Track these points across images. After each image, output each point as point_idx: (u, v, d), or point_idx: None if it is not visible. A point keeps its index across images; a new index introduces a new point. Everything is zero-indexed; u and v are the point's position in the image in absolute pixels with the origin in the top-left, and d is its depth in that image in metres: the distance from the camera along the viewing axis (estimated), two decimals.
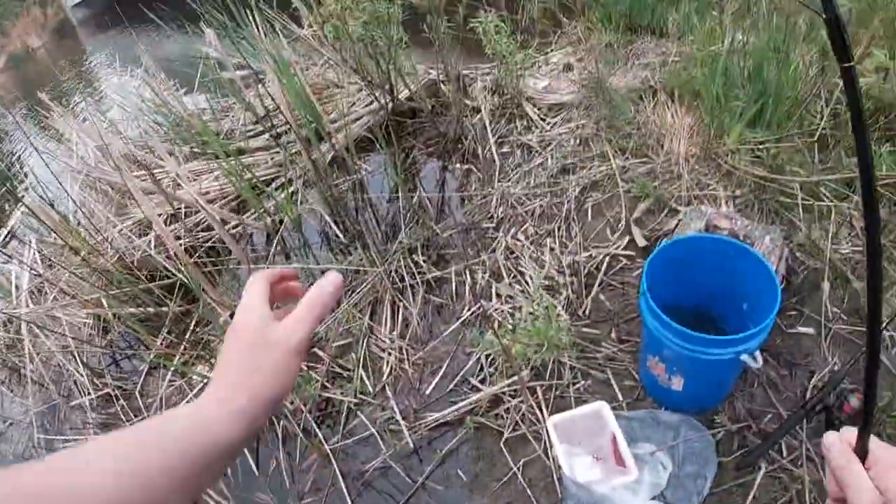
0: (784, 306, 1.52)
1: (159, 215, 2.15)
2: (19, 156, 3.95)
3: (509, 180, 2.22)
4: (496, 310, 1.74)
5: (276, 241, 2.29)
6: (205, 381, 1.78)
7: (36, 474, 0.31)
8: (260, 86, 2.64)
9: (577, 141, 2.23)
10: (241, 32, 2.51)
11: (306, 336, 0.44)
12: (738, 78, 2.07)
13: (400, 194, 2.27)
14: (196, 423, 0.38)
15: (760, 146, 1.86)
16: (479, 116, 2.56)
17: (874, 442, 0.43)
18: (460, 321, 1.77)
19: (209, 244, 2.34)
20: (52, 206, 2.27)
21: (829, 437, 0.45)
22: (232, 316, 1.77)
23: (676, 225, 1.77)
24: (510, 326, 1.62)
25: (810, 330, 1.49)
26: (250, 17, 2.46)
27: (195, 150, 2.72)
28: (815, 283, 1.57)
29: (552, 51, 3.05)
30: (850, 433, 0.45)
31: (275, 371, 0.42)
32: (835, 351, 1.45)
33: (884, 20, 1.94)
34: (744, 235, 1.61)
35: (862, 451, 0.43)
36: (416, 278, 1.91)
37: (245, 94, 2.72)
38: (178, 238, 2.22)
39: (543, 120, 2.48)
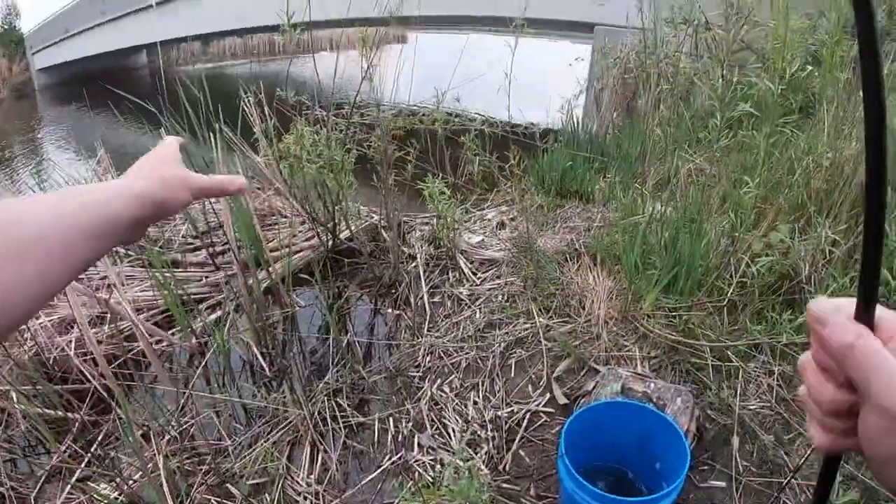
0: (696, 462, 1.79)
1: (85, 316, 2.29)
2: None
3: (438, 330, 2.51)
4: (417, 461, 1.93)
5: (199, 365, 2.42)
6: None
7: None
8: (207, 201, 2.98)
9: (505, 297, 2.60)
10: (199, 147, 2.89)
11: (201, 184, 0.62)
12: (655, 246, 2.55)
13: (331, 334, 2.51)
14: (98, 196, 0.52)
15: (674, 311, 2.27)
16: (414, 264, 2.92)
17: (880, 310, 0.37)
18: (380, 470, 1.92)
19: (130, 355, 2.44)
20: None
21: (822, 305, 0.38)
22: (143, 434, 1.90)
23: (595, 385, 2.07)
24: (430, 480, 1.81)
25: (722, 483, 1.76)
26: (210, 137, 2.85)
27: (129, 251, 2.96)
28: (725, 439, 1.86)
29: (488, 208, 3.57)
30: (847, 302, 0.38)
31: (168, 186, 0.59)
32: (746, 502, 1.72)
33: (788, 198, 2.51)
34: (657, 397, 1.93)
35: (868, 323, 0.36)
36: (338, 422, 2.07)
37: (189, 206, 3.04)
38: (100, 342, 2.33)
39: (475, 274, 2.86)
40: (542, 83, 4.26)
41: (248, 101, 3.13)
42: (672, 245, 2.41)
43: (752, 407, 1.95)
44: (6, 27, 30.79)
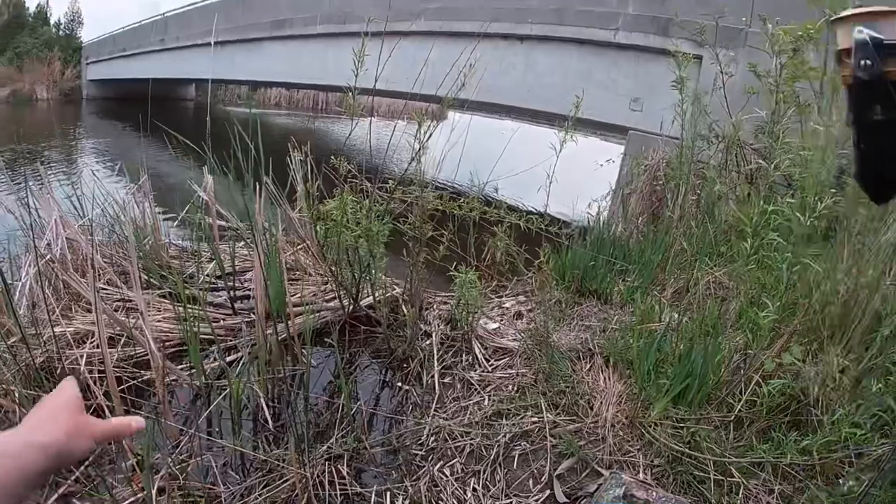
0: None
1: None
2: None
3: (446, 412, 2.57)
4: None
5: (203, 405, 2.50)
6: None
7: None
8: (238, 244, 3.12)
9: (515, 388, 2.67)
10: (239, 192, 3.07)
11: (103, 430, 0.67)
12: (668, 355, 2.64)
13: (341, 399, 2.58)
14: (9, 449, 0.56)
15: (681, 422, 2.32)
16: (428, 342, 3.02)
17: None
18: None
19: (136, 381, 2.54)
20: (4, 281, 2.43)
21: None
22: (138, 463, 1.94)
23: (597, 488, 2.12)
24: None
25: None
26: (255, 186, 3.04)
27: (152, 280, 3.10)
28: None
29: (507, 296, 3.69)
30: None
31: (71, 435, 0.62)
32: None
33: (803, 322, 2.60)
34: None
35: None
36: (335, 488, 2.12)
37: (218, 246, 3.20)
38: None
39: (488, 361, 2.94)
40: (570, 177, 4.46)
41: (295, 158, 3.35)
42: (686, 356, 2.49)
43: None
44: (67, 33, 32.90)
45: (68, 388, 0.70)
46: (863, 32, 0.84)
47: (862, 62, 0.84)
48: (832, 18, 0.92)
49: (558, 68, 9.18)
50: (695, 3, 7.00)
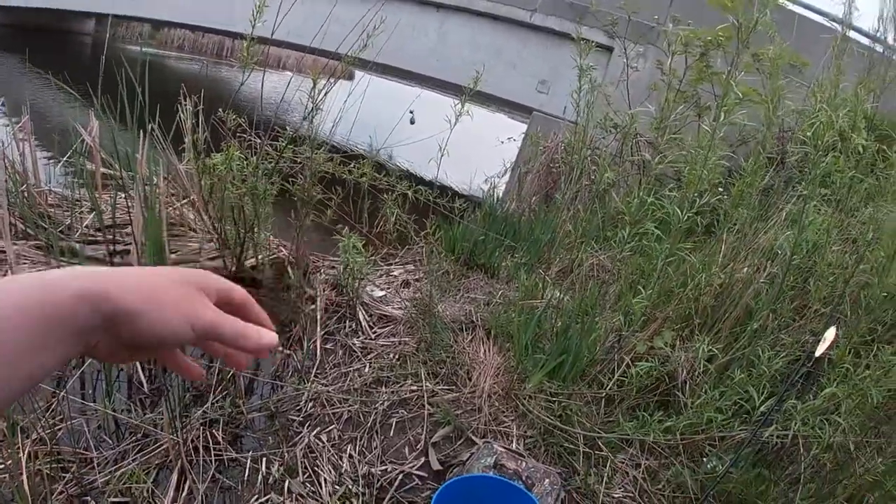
0: None
1: None
2: None
3: (326, 378, 2.54)
4: None
5: (76, 366, 2.33)
6: None
7: None
8: (120, 194, 2.89)
9: (397, 356, 2.67)
10: (124, 137, 2.83)
11: (213, 326, 0.52)
12: (548, 331, 2.72)
13: (216, 362, 2.48)
14: (48, 286, 0.43)
15: (554, 396, 2.41)
16: (312, 307, 2.95)
17: None
18: None
19: None
20: None
21: None
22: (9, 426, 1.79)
23: (469, 457, 2.16)
24: None
25: None
26: (140, 135, 2.81)
27: (28, 229, 2.82)
28: None
29: (396, 264, 3.67)
30: None
31: (154, 300, 0.47)
32: None
33: (676, 309, 2.76)
34: (526, 476, 2.05)
35: None
36: (210, 454, 2.05)
37: (100, 196, 2.95)
38: None
39: (371, 328, 2.92)
40: (471, 151, 4.49)
41: (187, 108, 3.13)
42: (563, 333, 2.59)
43: (616, 495, 2.11)
44: None
45: (210, 275, 0.56)
46: None
47: None
48: None
49: (470, 41, 9.18)
50: None
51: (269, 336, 0.57)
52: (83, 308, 0.43)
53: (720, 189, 3.45)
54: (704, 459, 2.20)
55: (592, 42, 4.61)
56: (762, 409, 2.05)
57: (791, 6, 6.55)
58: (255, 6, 2.51)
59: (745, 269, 2.78)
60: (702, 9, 4.46)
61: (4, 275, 2.25)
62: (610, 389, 2.46)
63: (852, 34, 3.51)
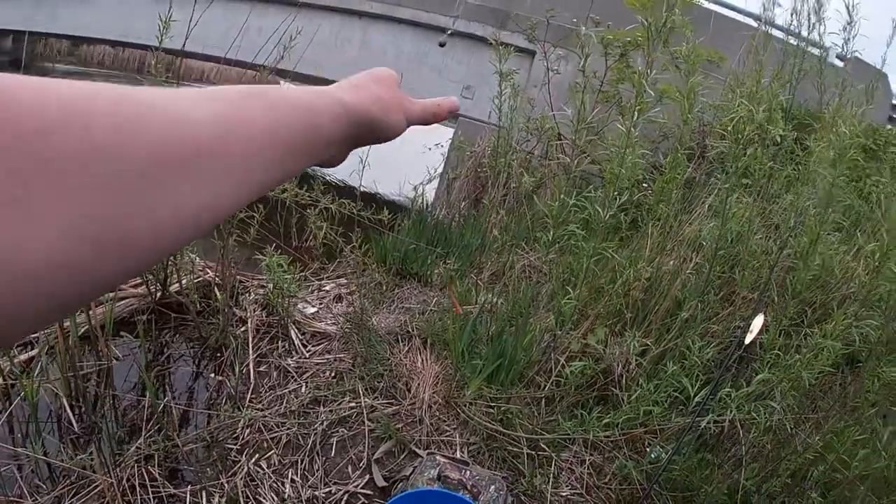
0: None
1: None
2: None
3: (261, 402, 2.46)
4: None
5: (2, 410, 2.20)
6: None
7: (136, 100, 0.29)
8: None
9: (333, 373, 2.63)
10: None
11: (417, 109, 0.60)
12: (483, 336, 2.74)
13: (147, 395, 2.37)
14: (307, 102, 0.43)
15: (494, 401, 2.42)
16: (243, 329, 2.86)
17: None
18: None
19: None
20: None
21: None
22: None
23: (413, 471, 2.14)
24: None
25: None
26: None
27: None
28: None
29: (327, 278, 3.62)
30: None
31: (385, 106, 0.53)
32: None
33: (607, 306, 2.82)
34: (472, 485, 2.05)
35: None
36: (148, 492, 1.95)
37: None
38: None
39: (305, 346, 2.86)
40: (399, 158, 4.49)
41: None
42: (498, 337, 2.60)
43: (563, 494, 2.15)
44: None
45: (388, 70, 0.60)
46: None
47: None
48: None
49: (392, 48, 9.18)
50: (535, 1, 7.35)
51: (452, 101, 0.65)
52: (344, 121, 0.48)
53: (644, 185, 3.56)
54: (648, 450, 2.25)
55: (512, 46, 4.69)
56: (697, 398, 2.12)
57: (707, 4, 6.84)
58: (162, 20, 2.44)
59: (672, 262, 2.88)
60: (622, 11, 4.60)
61: None
62: (548, 390, 2.49)
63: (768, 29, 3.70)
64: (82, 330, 2.57)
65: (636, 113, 2.65)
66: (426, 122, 0.63)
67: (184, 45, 2.52)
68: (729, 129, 2.52)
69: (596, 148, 4.04)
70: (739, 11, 7.14)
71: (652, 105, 2.71)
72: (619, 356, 2.46)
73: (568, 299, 2.72)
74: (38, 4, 16.62)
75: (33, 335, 2.55)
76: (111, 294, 2.77)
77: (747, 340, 1.87)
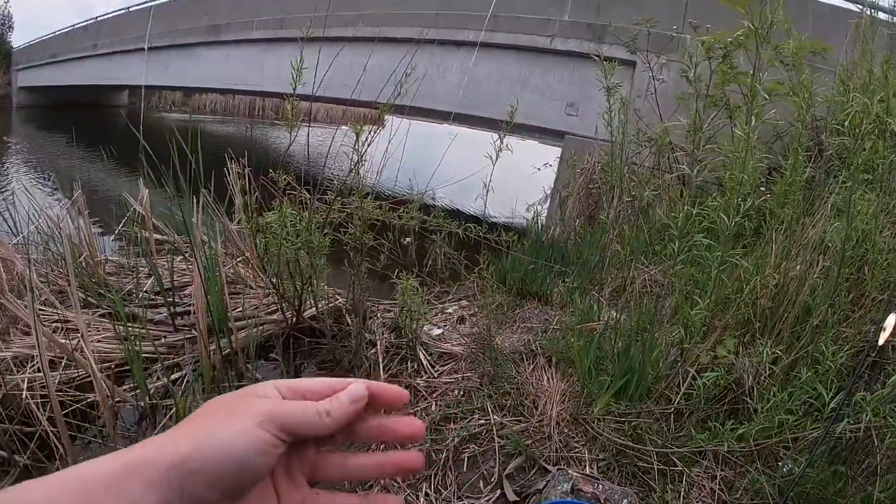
0: None
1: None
2: None
3: None
4: None
5: (148, 426, 2.46)
6: None
7: None
8: (176, 258, 3.06)
9: (461, 392, 2.73)
10: (177, 205, 3.03)
11: (276, 411, 0.44)
12: (609, 352, 2.74)
13: None
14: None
15: (623, 417, 2.42)
16: (373, 351, 3.04)
17: None
18: None
19: (80, 405, 2.47)
20: None
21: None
22: None
23: (545, 485, 2.19)
24: None
25: None
26: (193, 198, 2.99)
27: (90, 298, 3.01)
28: None
29: (449, 301, 3.75)
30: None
31: (206, 427, 0.41)
32: None
33: (735, 316, 2.75)
34: (605, 499, 2.07)
35: None
36: None
37: (156, 261, 3.13)
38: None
39: (433, 366, 2.99)
40: (509, 180, 4.58)
41: (233, 169, 3.32)
42: (625, 353, 2.61)
43: None
44: None
45: (270, 387, 0.48)
46: None
47: None
48: None
49: (494, 74, 9.35)
50: (629, 10, 7.29)
51: (357, 390, 0.50)
52: (132, 488, 0.37)
53: (762, 189, 3.43)
54: (780, 463, 2.18)
55: (616, 60, 4.68)
56: (832, 404, 2.04)
57: None
58: (292, 68, 2.64)
59: (798, 267, 2.76)
60: (716, 10, 4.49)
61: (76, 345, 2.42)
62: (678, 404, 2.46)
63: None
64: (225, 352, 2.84)
65: (752, 118, 2.60)
66: (303, 428, 0.46)
67: (314, 90, 2.72)
68: (845, 124, 2.42)
69: (710, 154, 3.94)
70: None
71: (765, 107, 2.64)
72: (750, 366, 2.39)
73: (698, 310, 2.68)
74: (150, 61, 18.30)
75: (181, 357, 2.84)
76: (252, 320, 3.04)
77: (880, 341, 1.79)
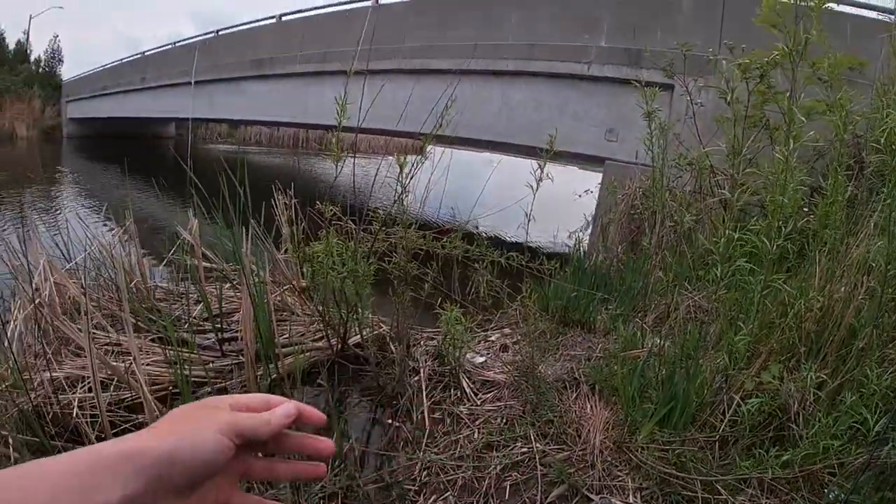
0: None
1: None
2: None
3: (437, 447, 2.65)
4: None
5: None
6: None
7: None
8: (224, 286, 3.21)
9: (504, 420, 2.76)
10: (225, 233, 3.19)
11: (232, 425, 0.53)
12: (652, 380, 2.75)
13: (333, 438, 2.64)
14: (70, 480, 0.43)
15: (667, 445, 2.42)
16: (416, 378, 3.10)
17: None
18: None
19: (129, 425, 2.57)
20: None
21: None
22: None
23: None
24: None
25: None
26: (242, 228, 3.15)
27: (140, 323, 3.16)
28: None
29: (492, 329, 3.80)
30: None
31: (180, 433, 0.50)
32: None
33: (780, 340, 2.73)
34: None
35: None
36: None
37: (205, 288, 3.28)
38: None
39: (476, 394, 3.03)
40: (550, 207, 4.63)
41: (280, 200, 3.47)
42: (669, 380, 2.61)
43: None
44: (48, 70, 33.29)
45: (222, 400, 0.59)
46: None
47: None
48: None
49: (532, 102, 9.45)
50: (664, 34, 7.33)
51: (289, 408, 0.60)
52: (122, 476, 0.45)
53: (805, 210, 3.41)
54: (825, 490, 2.14)
55: (653, 85, 4.71)
56: (876, 428, 2.01)
57: (840, 7, 6.42)
58: (336, 103, 2.77)
59: (843, 289, 2.73)
60: (751, 29, 4.49)
61: (128, 367, 2.54)
62: (723, 431, 2.45)
63: None
64: (272, 378, 2.94)
65: (791, 140, 2.61)
66: (254, 432, 0.56)
67: (359, 122, 2.85)
68: (882, 141, 2.41)
69: (751, 177, 3.93)
70: (874, 9, 6.60)
71: (804, 128, 2.65)
72: (795, 391, 2.37)
73: (742, 335, 2.67)
74: (197, 94, 19.04)
75: (228, 381, 2.94)
76: (298, 346, 3.14)
77: None
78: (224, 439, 0.52)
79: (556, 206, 5.56)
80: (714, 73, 5.87)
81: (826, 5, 3.24)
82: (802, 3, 2.71)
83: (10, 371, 2.45)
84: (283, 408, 0.60)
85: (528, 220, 3.76)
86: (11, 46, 33.85)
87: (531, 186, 3.51)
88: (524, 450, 2.54)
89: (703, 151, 4.55)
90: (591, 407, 2.70)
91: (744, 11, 5.21)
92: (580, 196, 6.17)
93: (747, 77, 4.28)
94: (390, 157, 3.12)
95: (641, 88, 4.43)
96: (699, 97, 5.00)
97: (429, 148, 3.18)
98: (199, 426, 0.52)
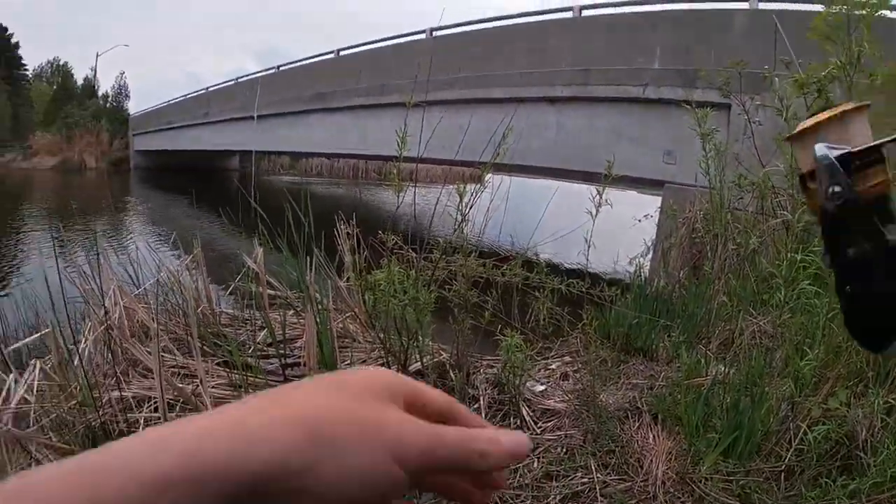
0: None
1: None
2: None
3: None
4: None
5: None
6: None
7: None
8: (288, 313, 3.35)
9: (564, 449, 2.78)
10: (290, 263, 3.35)
11: (423, 443, 0.33)
12: (717, 409, 2.72)
13: None
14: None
15: (731, 475, 2.40)
16: (476, 405, 3.15)
17: None
18: None
19: None
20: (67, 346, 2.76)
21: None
22: None
23: None
24: None
25: None
26: (306, 257, 3.31)
27: (205, 347, 3.33)
28: None
29: (552, 357, 3.82)
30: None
31: (324, 441, 0.31)
32: None
33: (847, 365, 2.67)
34: None
35: None
36: None
37: (269, 314, 3.44)
38: None
39: (536, 423, 3.06)
40: (609, 232, 4.64)
41: (342, 229, 3.64)
42: (733, 409, 2.58)
43: None
44: (115, 105, 35.46)
45: (385, 374, 0.38)
46: (825, 150, 0.67)
47: (830, 189, 0.66)
48: (786, 136, 0.79)
49: (588, 127, 9.47)
50: (719, 53, 7.25)
51: (512, 437, 0.38)
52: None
53: None
54: None
55: (709, 105, 4.69)
56: None
57: (893, 15, 6.22)
58: (396, 135, 2.90)
59: None
60: (806, 44, 4.43)
61: (195, 389, 2.68)
62: (788, 461, 2.41)
63: None
64: None
65: None
66: (449, 466, 0.35)
67: (419, 153, 2.97)
68: None
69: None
70: None
71: None
72: (863, 418, 2.32)
73: (808, 360, 2.63)
74: (258, 128, 19.80)
75: None
76: None
77: None
78: (400, 475, 0.32)
79: (615, 231, 5.55)
80: (770, 91, 5.79)
81: (879, 12, 3.20)
82: (855, 13, 2.70)
83: (80, 389, 2.64)
84: (514, 438, 0.38)
85: (588, 247, 3.78)
86: (79, 82, 36.17)
87: (590, 212, 3.53)
88: (584, 480, 2.55)
89: (764, 171, 4.48)
90: (654, 437, 2.69)
91: (798, 26, 5.13)
92: (640, 221, 6.13)
93: (805, 92, 4.22)
94: (450, 186, 3.22)
95: (692, 111, 4.42)
96: (757, 115, 4.94)
97: (487, 176, 3.26)
98: (361, 439, 0.32)
